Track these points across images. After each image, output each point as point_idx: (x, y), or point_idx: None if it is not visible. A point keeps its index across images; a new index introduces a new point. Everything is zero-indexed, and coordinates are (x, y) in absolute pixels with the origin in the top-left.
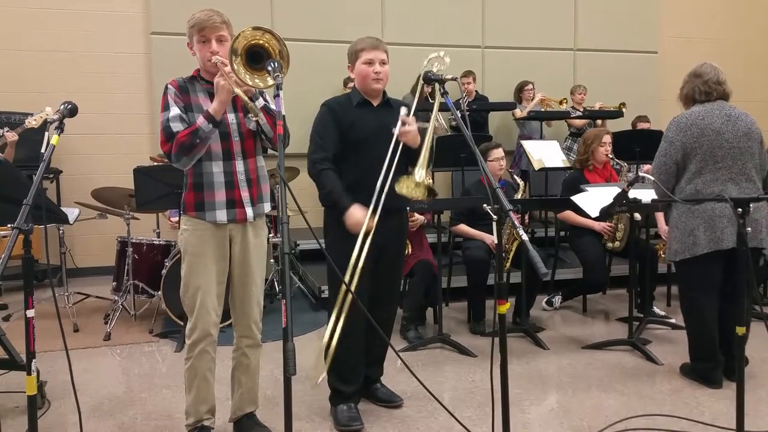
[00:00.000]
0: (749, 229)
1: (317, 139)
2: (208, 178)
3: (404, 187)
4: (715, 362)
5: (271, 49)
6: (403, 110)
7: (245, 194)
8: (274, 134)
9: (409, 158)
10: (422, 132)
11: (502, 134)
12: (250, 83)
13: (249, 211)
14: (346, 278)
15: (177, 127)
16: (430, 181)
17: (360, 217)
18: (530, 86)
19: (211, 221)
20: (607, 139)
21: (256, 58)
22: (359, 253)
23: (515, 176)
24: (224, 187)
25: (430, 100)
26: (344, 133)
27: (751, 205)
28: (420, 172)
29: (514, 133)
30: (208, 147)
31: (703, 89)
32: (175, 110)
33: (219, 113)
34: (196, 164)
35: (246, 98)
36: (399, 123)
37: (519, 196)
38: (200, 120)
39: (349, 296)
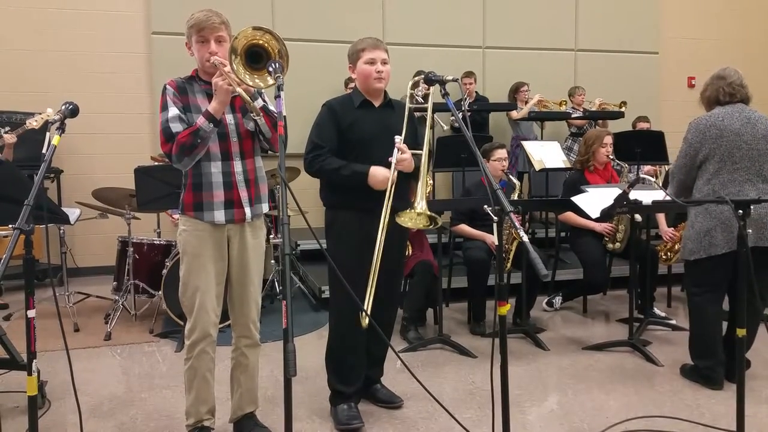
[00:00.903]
0: (749, 230)
1: (314, 137)
2: (207, 178)
3: (407, 220)
4: (716, 359)
5: (271, 49)
6: (397, 138)
7: (243, 194)
8: (272, 135)
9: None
10: (416, 158)
11: (497, 135)
12: (250, 83)
13: (247, 212)
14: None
15: (176, 127)
16: (429, 183)
17: (384, 173)
18: (525, 87)
19: (209, 221)
20: (608, 140)
21: (255, 58)
22: (382, 234)
23: (510, 176)
24: (222, 187)
25: (422, 101)
26: (344, 133)
27: (752, 207)
28: (421, 204)
29: (508, 134)
30: (207, 147)
31: (728, 91)
32: (173, 110)
33: (219, 113)
34: (194, 165)
35: (246, 97)
36: (395, 151)
37: (515, 196)
38: (200, 120)
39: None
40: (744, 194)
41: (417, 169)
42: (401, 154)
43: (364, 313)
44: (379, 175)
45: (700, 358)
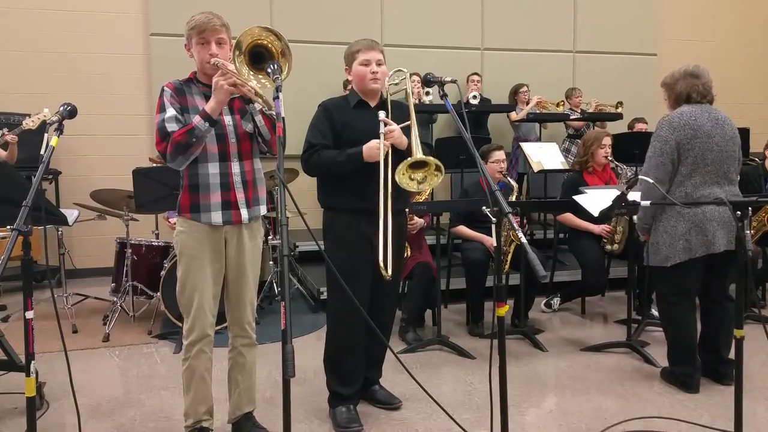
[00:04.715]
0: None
1: (309, 138)
2: (204, 179)
3: (405, 182)
4: (694, 366)
5: (274, 50)
6: (381, 113)
7: (240, 196)
8: (271, 137)
9: (404, 154)
10: (406, 130)
11: (497, 136)
12: (254, 82)
13: (244, 213)
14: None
15: (172, 127)
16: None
17: (375, 142)
18: (525, 88)
19: (206, 223)
20: (607, 141)
21: (258, 58)
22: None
23: (508, 178)
24: (219, 188)
25: (413, 97)
26: (339, 133)
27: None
28: (418, 152)
29: (508, 135)
30: (204, 148)
31: (702, 91)
32: (171, 111)
33: (216, 112)
34: (192, 165)
35: (252, 93)
36: (381, 125)
37: (513, 197)
38: (196, 119)
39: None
40: (713, 196)
41: (409, 147)
42: (388, 126)
43: (383, 264)
44: (373, 143)
45: (678, 364)
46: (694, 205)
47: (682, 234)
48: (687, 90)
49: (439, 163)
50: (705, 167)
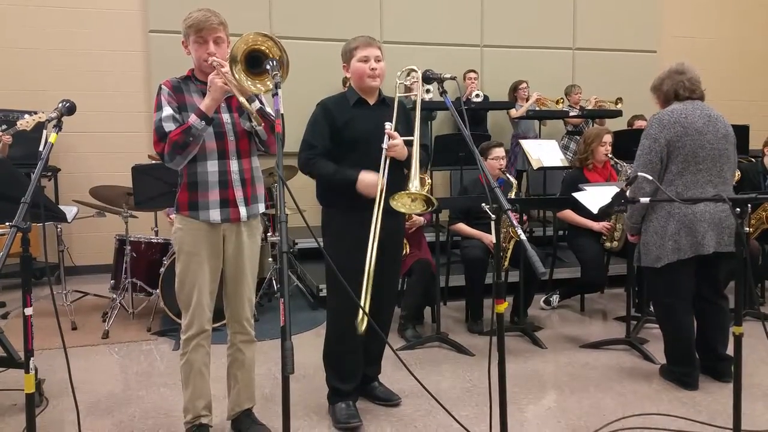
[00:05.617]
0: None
1: (307, 137)
2: (203, 177)
3: (400, 205)
4: (693, 365)
5: (272, 56)
6: (388, 125)
7: (239, 194)
8: (268, 137)
9: (403, 162)
10: (409, 143)
11: (496, 133)
12: (253, 89)
13: (242, 211)
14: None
15: (169, 126)
16: (428, 182)
17: (372, 178)
18: (524, 85)
19: (204, 220)
20: (608, 138)
21: (255, 62)
22: (374, 236)
23: (507, 175)
24: (218, 186)
25: (412, 98)
26: (339, 132)
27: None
28: (414, 183)
29: (507, 132)
30: (203, 146)
31: (688, 86)
32: (167, 110)
33: (211, 110)
34: (190, 163)
35: (245, 102)
36: (386, 138)
37: (512, 194)
38: (192, 118)
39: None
40: (705, 196)
41: (410, 158)
42: (392, 140)
43: (361, 316)
44: (367, 179)
45: (677, 364)
46: (692, 202)
47: (671, 234)
48: (673, 87)
49: (432, 199)
50: (696, 165)
